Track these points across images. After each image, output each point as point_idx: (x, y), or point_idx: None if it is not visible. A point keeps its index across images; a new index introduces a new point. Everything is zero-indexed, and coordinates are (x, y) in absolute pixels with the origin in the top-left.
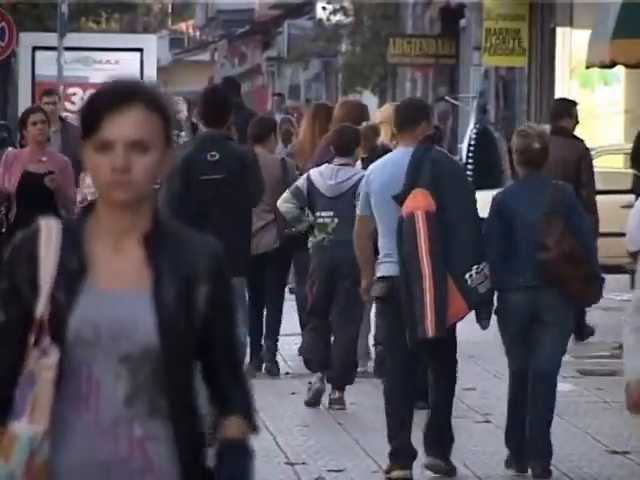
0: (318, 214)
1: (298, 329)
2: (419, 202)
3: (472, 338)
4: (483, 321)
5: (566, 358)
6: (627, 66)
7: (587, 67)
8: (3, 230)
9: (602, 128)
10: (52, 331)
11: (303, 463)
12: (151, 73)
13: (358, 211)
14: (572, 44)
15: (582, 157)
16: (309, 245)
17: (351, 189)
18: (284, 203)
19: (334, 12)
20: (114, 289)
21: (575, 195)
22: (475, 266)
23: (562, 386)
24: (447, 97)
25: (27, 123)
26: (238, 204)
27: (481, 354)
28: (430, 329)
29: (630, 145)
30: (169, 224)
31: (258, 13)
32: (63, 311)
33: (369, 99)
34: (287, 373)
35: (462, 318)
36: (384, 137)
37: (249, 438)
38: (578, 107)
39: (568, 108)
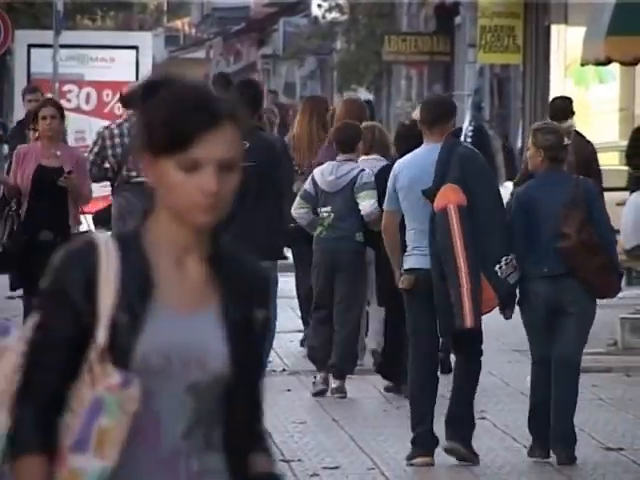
0: (319, 209)
1: (294, 326)
2: (450, 196)
3: None
4: (507, 311)
5: None
6: (622, 63)
7: (582, 64)
8: (15, 227)
9: (597, 125)
10: (114, 357)
11: (299, 460)
12: (146, 71)
13: (385, 207)
14: (567, 41)
15: (592, 154)
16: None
17: (349, 184)
18: (296, 210)
19: (329, 10)
20: (181, 311)
21: (595, 189)
22: (504, 258)
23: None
24: (442, 94)
25: (38, 116)
26: (269, 191)
27: None
28: (469, 320)
29: (625, 142)
30: (222, 242)
31: (253, 10)
32: (128, 335)
33: (364, 97)
34: (283, 370)
35: (492, 310)
36: None
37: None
38: (574, 108)
39: (568, 106)
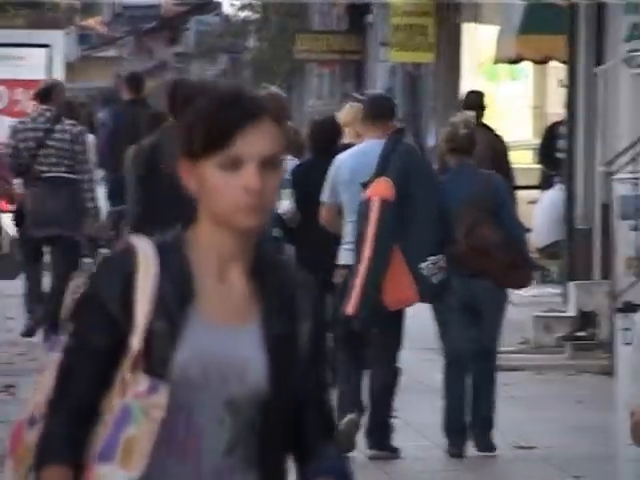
0: None
1: None
2: (378, 189)
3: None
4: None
5: None
6: (534, 62)
7: (495, 62)
8: None
9: (510, 124)
10: (149, 366)
11: None
12: (58, 69)
13: (325, 199)
14: (479, 40)
15: (502, 149)
16: None
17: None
18: None
19: (242, 8)
20: (221, 323)
21: (505, 185)
22: (432, 257)
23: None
24: (354, 93)
25: None
26: None
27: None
28: (351, 307)
29: (538, 141)
30: (266, 251)
31: (164, 9)
32: (166, 344)
33: None
34: None
35: (410, 305)
36: (349, 138)
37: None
38: (485, 102)
39: (480, 99)
